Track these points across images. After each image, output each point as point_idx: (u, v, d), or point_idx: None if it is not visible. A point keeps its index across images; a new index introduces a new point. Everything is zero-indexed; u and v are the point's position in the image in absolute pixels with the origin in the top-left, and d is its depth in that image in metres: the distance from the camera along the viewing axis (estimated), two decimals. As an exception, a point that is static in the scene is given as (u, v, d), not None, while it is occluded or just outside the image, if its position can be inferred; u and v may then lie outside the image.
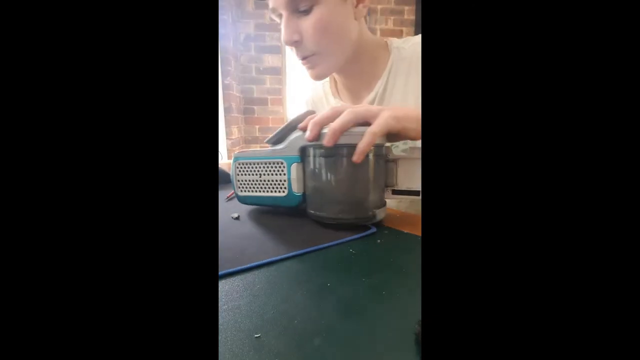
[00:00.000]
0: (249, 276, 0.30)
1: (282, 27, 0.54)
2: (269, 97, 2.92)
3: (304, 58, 0.57)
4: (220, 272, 0.31)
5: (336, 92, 0.73)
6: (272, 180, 0.45)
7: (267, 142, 0.45)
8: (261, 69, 2.87)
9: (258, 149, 0.46)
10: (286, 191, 0.44)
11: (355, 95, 0.68)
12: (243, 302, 0.26)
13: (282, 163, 0.43)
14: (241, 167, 0.47)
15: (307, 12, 0.52)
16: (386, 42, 0.65)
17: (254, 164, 0.46)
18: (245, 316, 0.24)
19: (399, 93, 0.62)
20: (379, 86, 0.63)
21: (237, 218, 0.47)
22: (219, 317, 0.24)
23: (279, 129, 0.44)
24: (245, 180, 0.47)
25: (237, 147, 2.68)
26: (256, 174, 0.46)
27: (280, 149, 0.43)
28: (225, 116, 2.55)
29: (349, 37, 0.57)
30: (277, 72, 2.89)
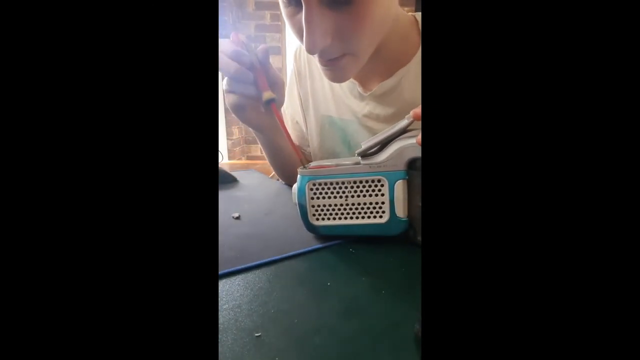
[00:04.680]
0: (249, 275, 0.31)
1: (304, 24, 0.37)
2: (269, 97, 2.91)
3: (330, 60, 0.42)
4: (221, 272, 0.31)
5: None
6: (365, 203, 0.35)
7: (358, 154, 0.36)
8: (262, 69, 2.87)
9: (336, 164, 0.36)
10: (387, 216, 0.35)
11: (365, 79, 0.55)
12: (244, 302, 0.26)
13: (380, 181, 0.34)
14: (317, 189, 0.36)
15: (346, 3, 0.37)
16: (415, 18, 0.51)
17: (337, 185, 0.35)
18: (245, 315, 0.24)
19: None
20: (403, 73, 0.51)
21: (237, 218, 0.47)
22: (220, 316, 0.24)
23: (373, 139, 0.35)
24: (325, 206, 0.36)
25: (238, 147, 2.68)
26: (340, 196, 0.36)
27: (379, 162, 0.34)
28: (225, 116, 2.55)
29: (387, 26, 0.44)
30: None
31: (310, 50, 0.39)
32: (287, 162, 0.62)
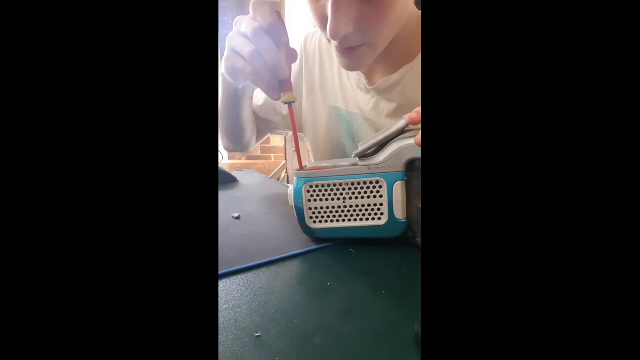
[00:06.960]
0: (249, 275, 0.31)
1: (331, 10, 0.38)
2: (269, 97, 2.91)
3: (348, 48, 0.43)
4: (221, 272, 0.31)
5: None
6: (363, 205, 0.35)
7: (356, 155, 0.35)
8: (262, 69, 2.86)
9: (333, 165, 0.36)
10: (386, 218, 0.34)
11: (371, 73, 0.56)
12: (244, 302, 0.26)
13: (379, 182, 0.34)
14: (314, 191, 0.35)
15: None
16: None
17: (335, 187, 0.35)
18: (245, 315, 0.24)
19: None
20: (407, 69, 0.52)
21: (238, 218, 0.47)
22: (220, 316, 0.24)
23: (371, 139, 0.35)
24: (322, 208, 0.36)
25: (238, 147, 2.67)
26: (337, 199, 0.35)
27: (377, 163, 0.33)
28: (225, 116, 2.54)
29: (403, 21, 0.45)
30: (278, 72, 2.88)
31: (333, 36, 0.39)
32: (240, 126, 0.63)
